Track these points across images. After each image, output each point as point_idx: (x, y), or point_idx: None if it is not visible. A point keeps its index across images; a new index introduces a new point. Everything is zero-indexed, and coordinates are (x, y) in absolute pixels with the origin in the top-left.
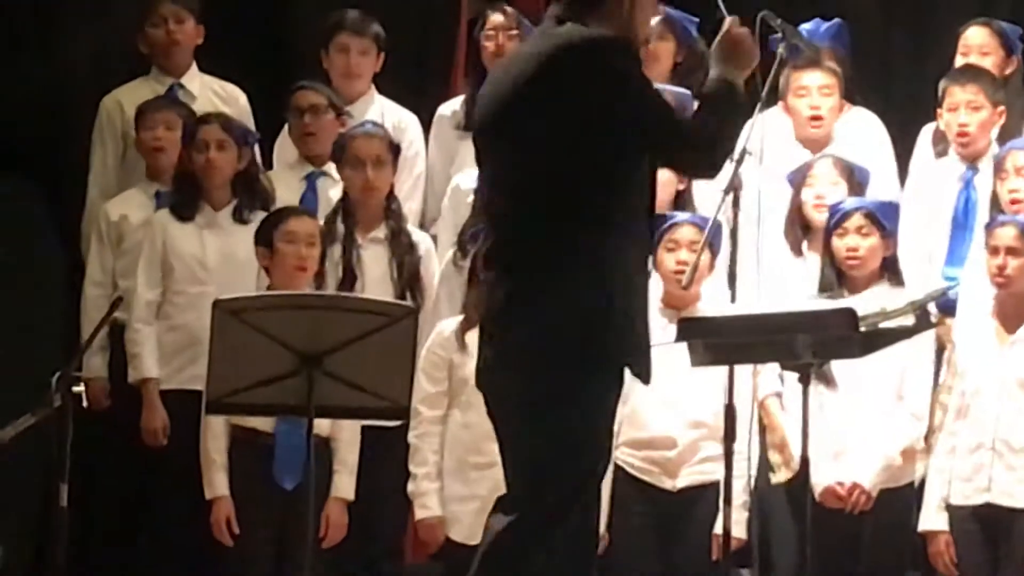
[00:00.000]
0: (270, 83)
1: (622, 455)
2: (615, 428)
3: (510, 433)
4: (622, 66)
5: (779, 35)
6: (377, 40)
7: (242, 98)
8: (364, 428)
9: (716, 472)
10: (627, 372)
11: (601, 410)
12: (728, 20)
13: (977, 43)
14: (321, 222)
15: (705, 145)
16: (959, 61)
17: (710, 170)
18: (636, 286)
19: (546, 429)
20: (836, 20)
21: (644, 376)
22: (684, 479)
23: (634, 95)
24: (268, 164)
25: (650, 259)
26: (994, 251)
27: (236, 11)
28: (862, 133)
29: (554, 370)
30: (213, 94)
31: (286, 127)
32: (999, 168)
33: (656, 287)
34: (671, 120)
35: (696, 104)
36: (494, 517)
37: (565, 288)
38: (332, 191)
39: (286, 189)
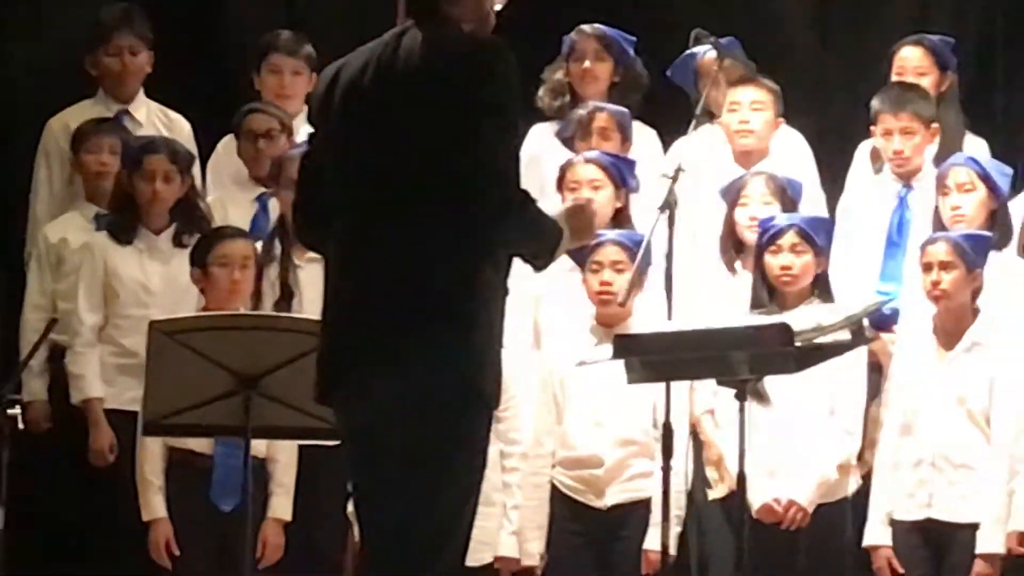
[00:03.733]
0: (203, 103)
1: (556, 474)
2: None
3: (394, 481)
4: (508, 79)
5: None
6: (309, 60)
7: (186, 126)
8: (302, 448)
9: (646, 489)
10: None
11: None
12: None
13: (912, 64)
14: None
15: (531, 220)
16: (894, 81)
17: (505, 231)
18: (499, 321)
19: (444, 479)
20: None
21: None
22: (613, 497)
23: (505, 114)
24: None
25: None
26: (927, 267)
27: (171, 32)
28: (794, 150)
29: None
30: (159, 121)
31: (220, 146)
32: (940, 184)
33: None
34: (512, 169)
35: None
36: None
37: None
38: None
39: (237, 210)
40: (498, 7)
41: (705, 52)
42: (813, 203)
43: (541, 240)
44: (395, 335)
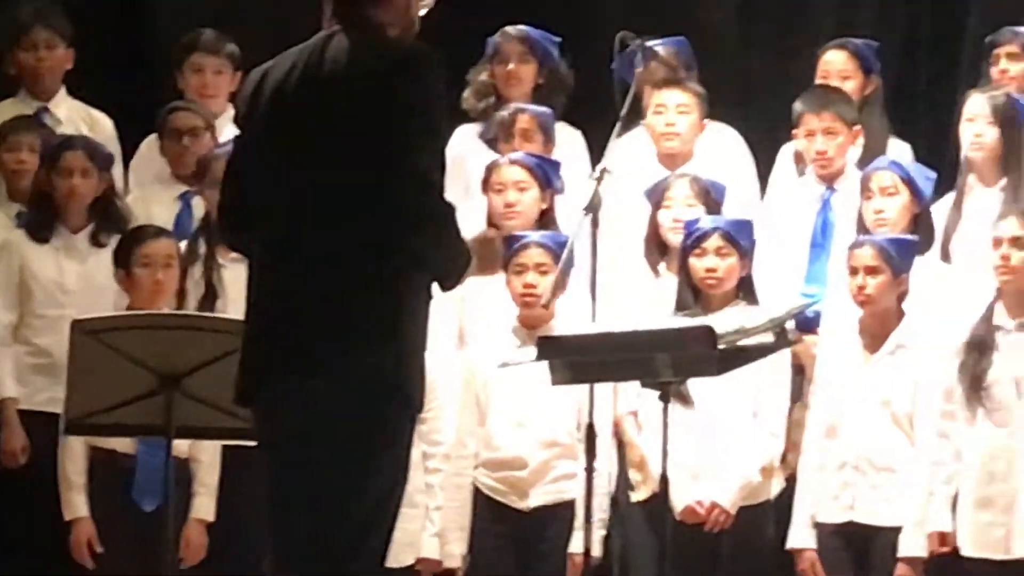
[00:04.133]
0: (126, 102)
1: (479, 476)
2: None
3: (315, 484)
4: (432, 85)
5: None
6: (232, 59)
7: (109, 125)
8: (225, 448)
9: (569, 491)
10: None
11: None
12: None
13: (837, 68)
14: None
15: (447, 236)
16: (817, 84)
17: (418, 235)
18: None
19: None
20: (680, 38)
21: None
22: (536, 499)
23: (429, 120)
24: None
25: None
26: (853, 271)
27: (94, 31)
28: (722, 149)
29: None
30: (80, 119)
31: (143, 145)
32: (864, 188)
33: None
34: (437, 178)
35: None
36: None
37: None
38: None
39: (161, 208)
40: (423, 12)
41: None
42: (748, 199)
43: (453, 257)
44: (318, 339)
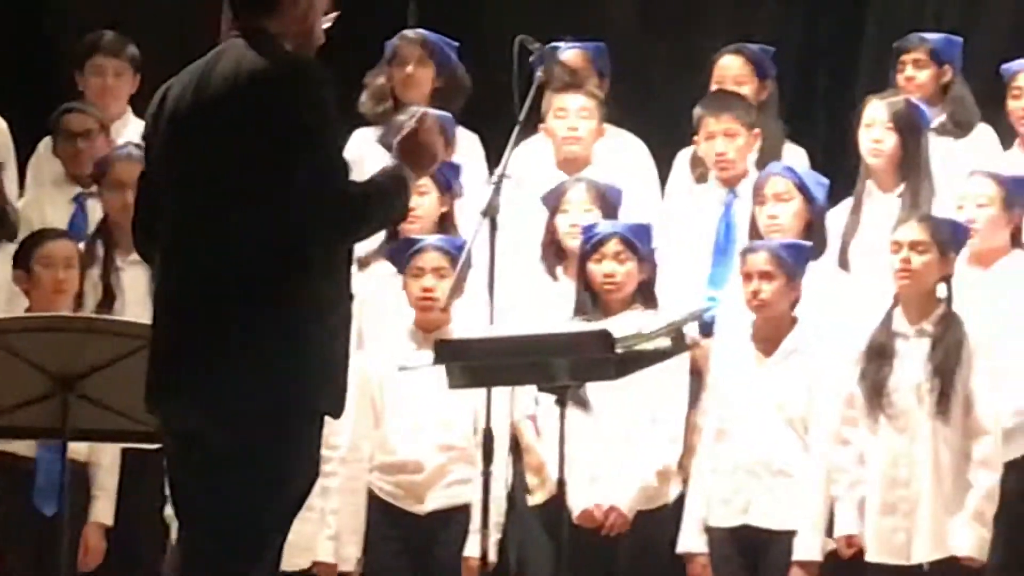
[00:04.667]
0: (26, 104)
1: (375, 480)
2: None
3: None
4: (317, 99)
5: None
6: (133, 61)
7: (2, 125)
8: (124, 451)
9: (465, 495)
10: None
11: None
12: (419, 114)
13: (731, 73)
14: None
15: (354, 214)
16: (714, 89)
17: (343, 236)
18: (338, 329)
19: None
20: (598, 43)
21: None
22: (432, 502)
23: (317, 133)
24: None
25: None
26: (747, 277)
27: None
28: (622, 154)
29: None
30: None
31: (40, 146)
32: (758, 193)
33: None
34: (338, 173)
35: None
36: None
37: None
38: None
39: (55, 210)
40: (327, 24)
41: (566, 50)
42: (649, 203)
43: (386, 210)
44: (208, 352)
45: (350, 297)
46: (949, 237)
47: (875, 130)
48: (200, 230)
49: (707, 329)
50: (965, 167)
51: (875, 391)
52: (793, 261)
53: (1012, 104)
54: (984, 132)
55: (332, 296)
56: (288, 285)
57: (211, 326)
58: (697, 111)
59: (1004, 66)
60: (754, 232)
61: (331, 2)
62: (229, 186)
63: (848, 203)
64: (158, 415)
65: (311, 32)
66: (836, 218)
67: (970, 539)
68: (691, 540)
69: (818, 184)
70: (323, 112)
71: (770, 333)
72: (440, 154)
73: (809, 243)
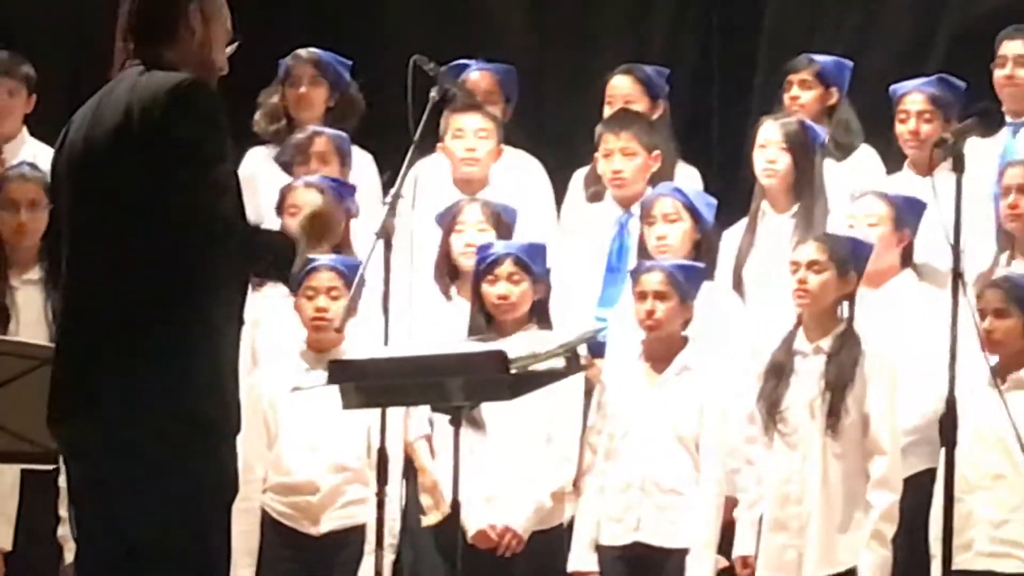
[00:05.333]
0: None
1: (268, 500)
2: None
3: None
4: (204, 116)
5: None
6: (27, 81)
7: None
8: (23, 473)
9: (360, 516)
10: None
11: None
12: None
13: (622, 93)
14: None
15: (241, 247)
16: (607, 110)
17: (226, 255)
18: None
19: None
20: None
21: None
22: (327, 524)
23: (204, 151)
24: None
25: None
26: (641, 296)
27: None
28: (518, 175)
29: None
30: None
31: None
32: (647, 214)
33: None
34: (227, 192)
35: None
36: None
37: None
38: None
39: None
40: (229, 51)
41: (474, 70)
42: (545, 227)
43: (267, 259)
44: (108, 365)
45: (240, 321)
46: (848, 255)
47: (769, 151)
48: (93, 253)
49: (598, 349)
50: (846, 189)
51: (771, 409)
52: (687, 282)
53: (899, 128)
54: (866, 154)
55: (220, 317)
56: (177, 305)
57: (104, 347)
58: (599, 128)
59: (892, 87)
60: (643, 252)
61: (231, 32)
62: (121, 207)
63: (743, 223)
64: (55, 436)
65: (210, 61)
66: (731, 238)
67: (870, 560)
68: (581, 559)
69: (706, 204)
70: (210, 130)
71: (661, 352)
72: (338, 238)
73: (703, 264)
